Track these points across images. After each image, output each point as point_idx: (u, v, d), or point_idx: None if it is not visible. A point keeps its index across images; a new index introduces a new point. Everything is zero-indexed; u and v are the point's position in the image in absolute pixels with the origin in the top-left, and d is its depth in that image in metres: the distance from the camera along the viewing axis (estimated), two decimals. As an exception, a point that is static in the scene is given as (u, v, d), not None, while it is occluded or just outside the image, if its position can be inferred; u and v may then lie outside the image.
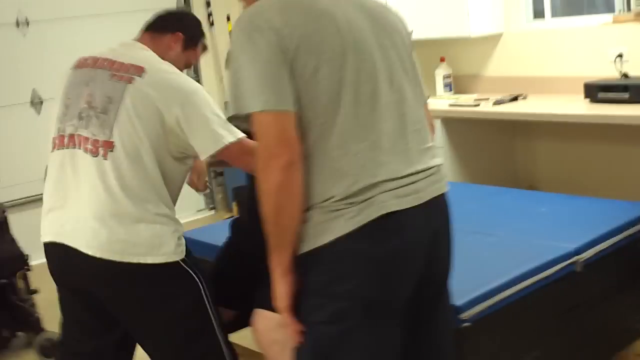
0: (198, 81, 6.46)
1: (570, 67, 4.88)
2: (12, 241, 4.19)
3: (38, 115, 5.78)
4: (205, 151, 2.50)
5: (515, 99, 4.86)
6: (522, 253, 2.99)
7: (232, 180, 6.34)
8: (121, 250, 2.43)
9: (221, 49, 6.45)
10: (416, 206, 2.02)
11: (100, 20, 6.01)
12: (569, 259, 2.95)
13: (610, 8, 4.90)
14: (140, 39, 2.73)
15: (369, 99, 2.00)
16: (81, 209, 2.46)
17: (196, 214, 6.70)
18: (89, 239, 2.44)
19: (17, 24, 5.72)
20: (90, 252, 2.43)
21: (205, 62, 6.52)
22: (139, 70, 2.52)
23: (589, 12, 5.23)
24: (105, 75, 2.55)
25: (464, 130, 4.99)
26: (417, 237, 2.03)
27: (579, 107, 4.43)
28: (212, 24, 6.70)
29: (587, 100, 4.45)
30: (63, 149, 2.55)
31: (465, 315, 2.55)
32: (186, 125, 2.47)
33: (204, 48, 2.90)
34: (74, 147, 2.52)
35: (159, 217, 2.48)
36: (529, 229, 3.29)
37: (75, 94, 2.58)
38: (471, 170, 5.03)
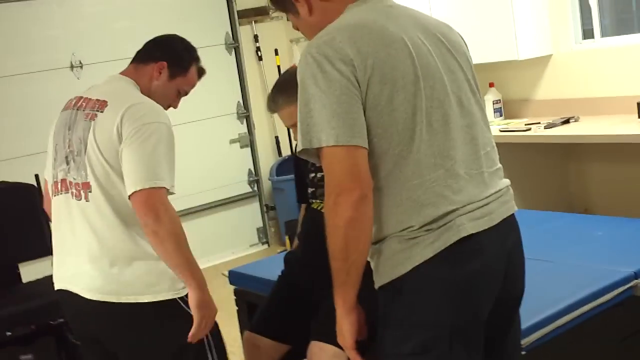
0: (247, 117, 6.57)
1: (622, 86, 4.81)
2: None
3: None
4: (128, 187, 2.39)
5: (567, 121, 4.80)
6: (579, 278, 2.94)
7: (284, 214, 6.36)
8: (117, 291, 2.42)
9: (270, 82, 6.52)
10: (490, 228, 2.00)
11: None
12: (628, 283, 2.89)
13: (661, 25, 4.84)
14: (125, 71, 2.70)
15: (442, 125, 1.97)
16: (77, 254, 2.49)
17: (249, 248, 6.72)
18: (87, 282, 2.45)
19: (72, 67, 5.85)
20: (88, 296, 2.44)
21: (255, 96, 6.59)
22: (102, 105, 2.49)
23: (639, 31, 5.17)
24: (81, 115, 2.54)
25: (516, 156, 4.94)
26: (493, 258, 2.01)
27: (633, 127, 4.36)
28: (260, 58, 6.77)
29: (641, 119, 4.39)
30: (58, 195, 2.56)
31: (521, 343, 2.51)
32: (126, 153, 2.39)
33: (200, 72, 2.80)
34: (66, 192, 2.53)
35: (152, 253, 2.43)
36: (585, 253, 3.24)
37: (61, 137, 2.58)
38: (524, 196, 4.96)
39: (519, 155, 4.96)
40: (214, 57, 6.39)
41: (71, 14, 5.86)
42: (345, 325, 1.98)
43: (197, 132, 6.30)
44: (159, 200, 2.35)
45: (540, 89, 5.29)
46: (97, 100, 2.52)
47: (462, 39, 2.22)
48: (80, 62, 5.86)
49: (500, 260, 2.04)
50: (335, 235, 1.90)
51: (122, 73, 2.69)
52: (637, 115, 4.41)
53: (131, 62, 2.72)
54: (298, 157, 2.08)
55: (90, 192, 2.45)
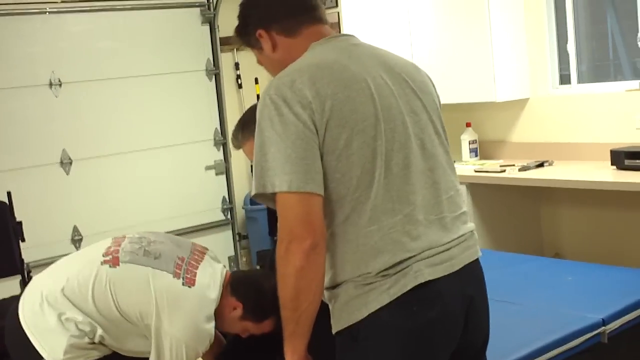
0: (224, 144, 6.56)
1: (596, 133, 4.87)
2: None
3: (67, 175, 5.84)
4: None
5: (541, 165, 4.85)
6: (548, 323, 2.96)
7: (257, 243, 6.34)
8: None
9: (249, 112, 6.53)
10: (450, 274, 1.97)
11: (128, 83, 6.11)
12: (596, 329, 2.92)
13: (637, 74, 4.91)
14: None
15: (402, 169, 1.95)
16: None
17: (220, 275, 6.67)
18: None
19: (50, 85, 5.82)
20: None
21: (233, 123, 6.56)
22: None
23: (616, 79, 5.25)
24: None
25: (490, 196, 4.97)
26: (453, 305, 1.98)
27: (606, 174, 4.40)
28: (240, 86, 6.78)
29: (614, 167, 4.43)
30: None
31: (488, 386, 2.51)
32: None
33: None
34: None
35: None
36: (555, 298, 3.26)
37: None
38: (496, 237, 5.00)
39: (493, 196, 4.99)
40: (194, 83, 6.40)
41: (54, 31, 5.84)
42: None
43: (173, 157, 6.28)
44: None
45: (516, 131, 5.35)
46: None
47: (429, 79, 2.19)
48: (60, 80, 5.83)
49: (460, 308, 2.00)
50: (286, 284, 1.87)
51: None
52: (609, 162, 4.46)
53: None
54: None
55: None
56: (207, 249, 2.83)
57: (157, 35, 6.24)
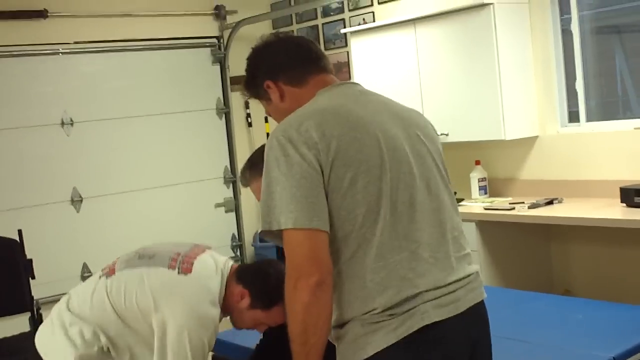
0: (234, 182, 6.59)
1: (605, 171, 4.88)
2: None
3: (77, 212, 5.88)
4: None
5: (550, 202, 4.84)
6: (557, 361, 2.94)
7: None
8: None
9: (259, 150, 6.56)
10: (455, 315, 1.98)
11: (139, 121, 6.18)
12: (606, 368, 2.89)
13: (645, 112, 4.93)
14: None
15: (407, 208, 1.98)
16: None
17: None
18: None
19: (62, 124, 5.89)
20: None
21: (242, 161, 6.60)
22: None
23: (625, 115, 5.26)
24: None
25: (499, 234, 4.97)
26: (457, 348, 1.99)
27: (615, 211, 4.40)
28: (250, 124, 6.83)
29: (624, 204, 4.43)
30: None
31: None
32: None
33: None
34: None
35: None
36: (565, 336, 3.23)
37: None
38: (506, 274, 4.98)
39: (502, 234, 4.98)
40: (204, 121, 6.47)
41: (66, 72, 5.93)
42: None
43: (183, 194, 6.33)
44: None
45: (526, 169, 5.35)
46: None
47: (432, 126, 2.24)
48: (71, 120, 5.90)
49: (464, 350, 2.01)
50: (294, 320, 1.90)
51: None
52: (619, 200, 4.46)
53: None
54: None
55: None
56: (210, 247, 2.83)
57: (168, 74, 6.32)
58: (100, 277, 2.69)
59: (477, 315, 2.08)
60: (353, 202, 1.92)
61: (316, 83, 2.14)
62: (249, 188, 2.71)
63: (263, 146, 2.14)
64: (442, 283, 1.99)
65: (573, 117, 5.23)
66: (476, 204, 5.16)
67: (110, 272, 2.68)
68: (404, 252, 1.95)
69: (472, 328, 2.05)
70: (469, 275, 2.08)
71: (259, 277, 2.74)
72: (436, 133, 2.25)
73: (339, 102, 2.05)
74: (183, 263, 2.61)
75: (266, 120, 6.80)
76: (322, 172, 1.91)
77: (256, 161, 2.53)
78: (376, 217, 1.93)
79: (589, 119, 5.15)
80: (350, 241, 1.93)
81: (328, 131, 1.93)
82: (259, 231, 1.99)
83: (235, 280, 2.72)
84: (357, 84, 2.22)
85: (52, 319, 2.71)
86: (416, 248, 1.97)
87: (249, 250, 6.77)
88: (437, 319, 1.93)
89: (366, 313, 1.93)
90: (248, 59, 2.24)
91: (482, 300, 2.11)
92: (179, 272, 2.59)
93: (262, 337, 3.04)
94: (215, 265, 2.70)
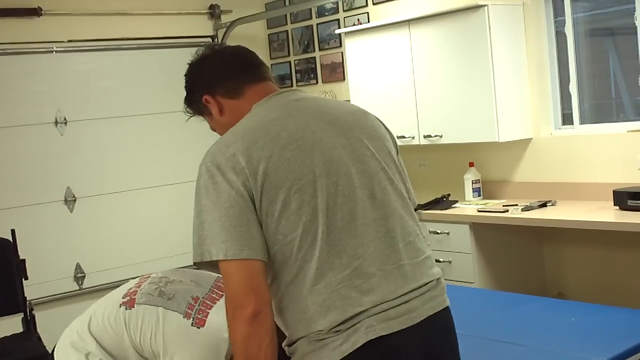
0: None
1: (599, 173, 4.89)
2: (38, 340, 4.19)
3: (71, 212, 5.86)
4: None
5: (544, 205, 4.85)
6: (550, 365, 2.94)
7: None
8: None
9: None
10: (410, 327, 1.92)
11: (133, 121, 6.17)
12: (599, 372, 2.89)
13: (638, 114, 4.93)
14: None
15: (347, 223, 1.92)
16: None
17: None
18: None
19: (56, 123, 5.87)
20: None
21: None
22: None
23: (618, 117, 5.27)
24: None
25: (492, 236, 4.97)
26: None
27: (608, 214, 4.41)
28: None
29: (617, 207, 4.44)
30: None
31: None
32: None
33: None
34: None
35: None
36: (558, 339, 3.24)
37: None
38: (499, 277, 4.99)
39: (496, 236, 4.99)
40: (198, 121, 6.42)
41: (60, 70, 5.91)
42: None
43: (177, 195, 6.28)
44: None
45: (519, 171, 5.36)
46: None
47: (381, 123, 2.17)
48: (65, 119, 5.88)
49: None
50: (236, 351, 1.87)
51: None
52: (612, 203, 4.47)
53: None
54: None
55: None
56: None
57: (162, 74, 6.30)
58: (120, 305, 2.70)
59: (437, 325, 2.01)
60: (288, 225, 1.87)
61: (253, 94, 2.09)
62: None
63: None
64: (392, 296, 1.92)
65: (567, 119, 5.24)
66: (470, 206, 5.17)
67: (130, 304, 2.69)
68: (346, 270, 1.89)
69: (432, 340, 1.98)
70: (427, 283, 2.01)
71: None
72: (387, 130, 2.17)
73: (272, 117, 1.99)
74: (198, 313, 2.63)
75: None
76: (253, 198, 1.86)
77: None
78: (314, 237, 1.88)
79: (583, 121, 5.16)
80: (289, 265, 1.89)
81: (256, 153, 1.89)
82: (192, 262, 1.94)
83: None
84: (295, 90, 2.15)
85: (73, 343, 2.71)
86: (359, 264, 1.91)
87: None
88: (383, 333, 1.88)
89: (311, 333, 1.90)
90: (185, 75, 2.21)
91: (445, 309, 2.04)
92: (192, 324, 2.60)
93: None
94: None
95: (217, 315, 2.65)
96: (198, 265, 1.92)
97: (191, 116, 2.25)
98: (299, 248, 1.88)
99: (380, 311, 1.89)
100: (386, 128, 2.18)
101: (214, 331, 2.62)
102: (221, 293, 2.77)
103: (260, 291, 1.85)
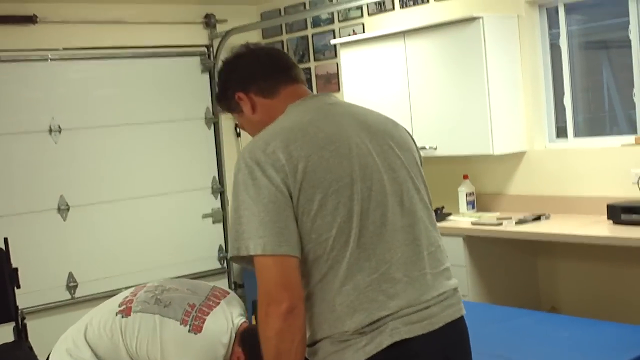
0: (222, 192, 6.58)
1: (593, 187, 4.88)
2: (29, 350, 4.17)
3: (64, 221, 5.84)
4: None
5: (538, 218, 4.85)
6: (542, 380, 2.94)
7: (252, 293, 6.30)
8: None
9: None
10: (429, 332, 1.96)
11: (127, 130, 6.16)
12: (591, 388, 2.89)
13: (633, 128, 4.94)
14: None
15: (378, 227, 1.96)
16: None
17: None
18: None
19: (50, 131, 5.86)
20: None
21: (231, 172, 6.58)
22: None
23: (612, 133, 5.28)
24: None
25: (486, 249, 4.97)
26: None
27: (602, 228, 4.41)
28: (238, 134, 6.81)
29: (610, 221, 4.44)
30: None
31: None
32: None
33: None
34: None
35: None
36: (551, 354, 3.24)
37: None
38: (492, 290, 4.98)
39: (489, 249, 4.99)
40: (192, 130, 6.45)
41: (55, 78, 5.91)
42: None
43: (170, 204, 6.30)
44: None
45: (513, 184, 5.36)
46: None
47: (409, 134, 2.21)
48: (59, 127, 5.88)
49: None
50: (267, 346, 1.89)
51: None
52: (606, 217, 4.47)
53: None
54: None
55: None
56: (228, 292, 2.85)
57: (157, 83, 6.30)
58: (116, 313, 2.71)
59: (454, 332, 2.05)
60: (323, 225, 1.90)
61: (287, 94, 2.12)
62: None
63: None
64: (416, 302, 1.97)
65: (560, 132, 5.24)
66: (464, 219, 5.16)
67: (127, 312, 2.70)
68: (374, 274, 1.93)
69: (448, 346, 2.02)
70: (445, 292, 2.06)
71: (258, 345, 2.77)
72: (414, 142, 2.21)
73: (308, 119, 2.02)
74: (195, 319, 2.65)
75: (255, 130, 6.78)
76: (291, 195, 1.89)
77: None
78: (347, 238, 1.92)
79: (577, 134, 5.17)
80: (321, 264, 1.92)
81: (295, 152, 1.92)
82: (229, 256, 1.95)
83: (239, 342, 2.77)
84: (328, 95, 2.20)
85: (68, 349, 2.72)
86: (387, 269, 1.95)
87: (236, 260, 6.74)
88: (407, 336, 1.92)
89: (336, 333, 1.93)
90: (219, 72, 2.23)
91: (461, 317, 2.09)
92: (189, 330, 2.62)
93: None
94: (226, 324, 2.74)
95: (214, 322, 2.67)
96: (233, 259, 1.94)
97: (222, 111, 2.27)
98: (332, 248, 1.91)
99: (405, 315, 1.94)
100: (413, 140, 2.22)
101: (211, 336, 2.63)
102: (218, 301, 2.79)
103: (296, 287, 1.88)
